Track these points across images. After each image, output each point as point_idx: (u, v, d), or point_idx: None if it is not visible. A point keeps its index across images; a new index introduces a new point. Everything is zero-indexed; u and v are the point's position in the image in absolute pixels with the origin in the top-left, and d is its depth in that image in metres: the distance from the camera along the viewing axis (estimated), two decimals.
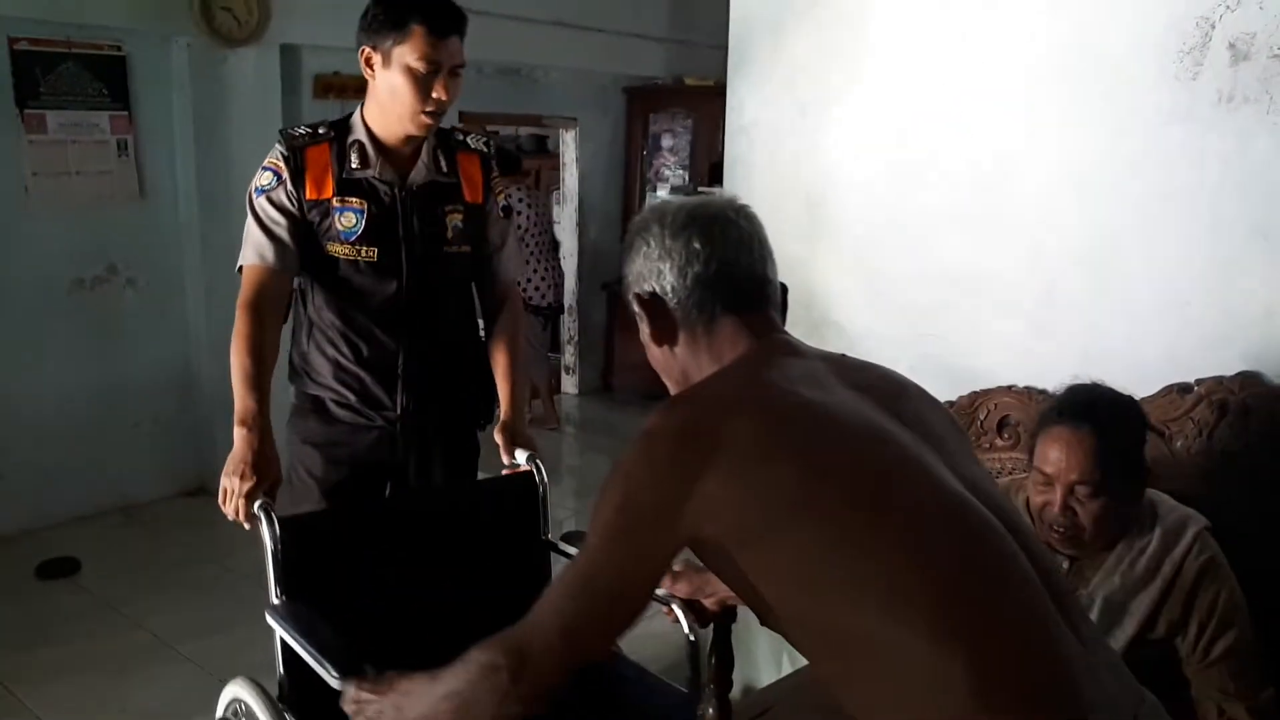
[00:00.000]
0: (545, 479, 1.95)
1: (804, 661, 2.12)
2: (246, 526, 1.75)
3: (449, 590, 1.82)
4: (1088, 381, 1.98)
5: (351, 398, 1.98)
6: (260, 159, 1.94)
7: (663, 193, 6.11)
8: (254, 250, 1.91)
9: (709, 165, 5.83)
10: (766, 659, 2.40)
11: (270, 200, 1.90)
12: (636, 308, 1.20)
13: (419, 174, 1.96)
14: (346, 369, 1.97)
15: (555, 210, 6.73)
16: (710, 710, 1.93)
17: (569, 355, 6.40)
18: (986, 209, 2.12)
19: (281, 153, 1.91)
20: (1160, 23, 1.86)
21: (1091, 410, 1.62)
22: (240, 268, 1.92)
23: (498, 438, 2.03)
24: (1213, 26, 1.81)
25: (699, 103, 5.87)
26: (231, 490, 1.71)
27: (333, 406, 2.00)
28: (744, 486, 1.00)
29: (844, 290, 2.35)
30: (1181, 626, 1.62)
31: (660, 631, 3.20)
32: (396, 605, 1.74)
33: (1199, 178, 1.85)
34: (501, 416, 2.11)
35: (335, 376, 1.98)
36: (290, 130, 1.95)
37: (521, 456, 1.95)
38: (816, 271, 2.39)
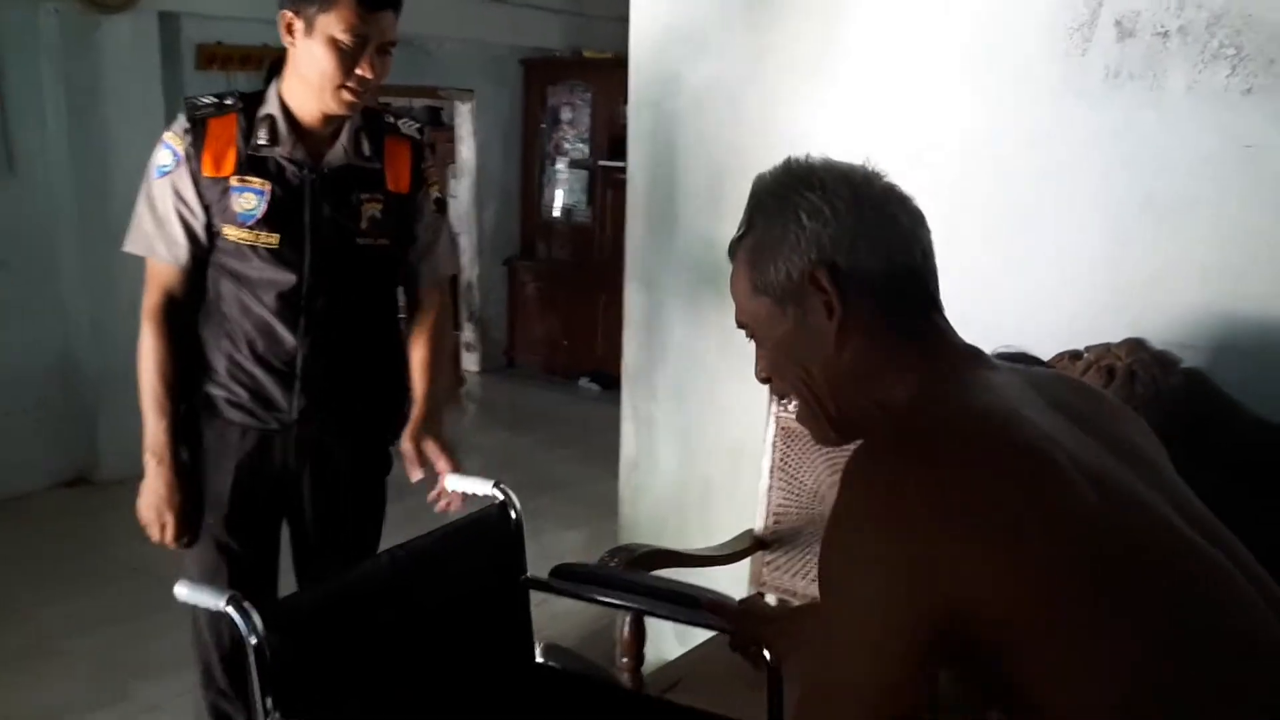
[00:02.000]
0: (519, 509, 1.73)
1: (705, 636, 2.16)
2: (178, 548, 1.84)
3: (437, 655, 1.60)
4: (1014, 350, 2.05)
5: (244, 396, 1.84)
6: (141, 133, 1.82)
7: (561, 167, 6.06)
8: (160, 244, 1.77)
9: (609, 139, 5.80)
10: (668, 636, 2.41)
11: (173, 185, 1.75)
12: (809, 284, 0.96)
13: (335, 156, 1.81)
14: (241, 365, 1.83)
15: (451, 184, 6.61)
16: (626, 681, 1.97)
17: (469, 332, 6.32)
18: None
19: (182, 125, 1.76)
20: (1052, 0, 1.91)
21: None
22: (147, 261, 1.79)
23: (405, 444, 1.92)
24: (1100, 4, 1.87)
25: (598, 76, 5.82)
26: (156, 528, 1.79)
27: (224, 406, 1.85)
28: (1006, 565, 0.82)
29: None
30: None
31: (562, 612, 3.20)
32: (397, 689, 1.51)
33: (1091, 152, 1.91)
34: (412, 418, 1.97)
35: (229, 373, 1.84)
36: (195, 99, 1.80)
37: (483, 486, 1.74)
38: (719, 246, 2.39)
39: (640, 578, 1.80)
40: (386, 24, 1.71)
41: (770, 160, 2.46)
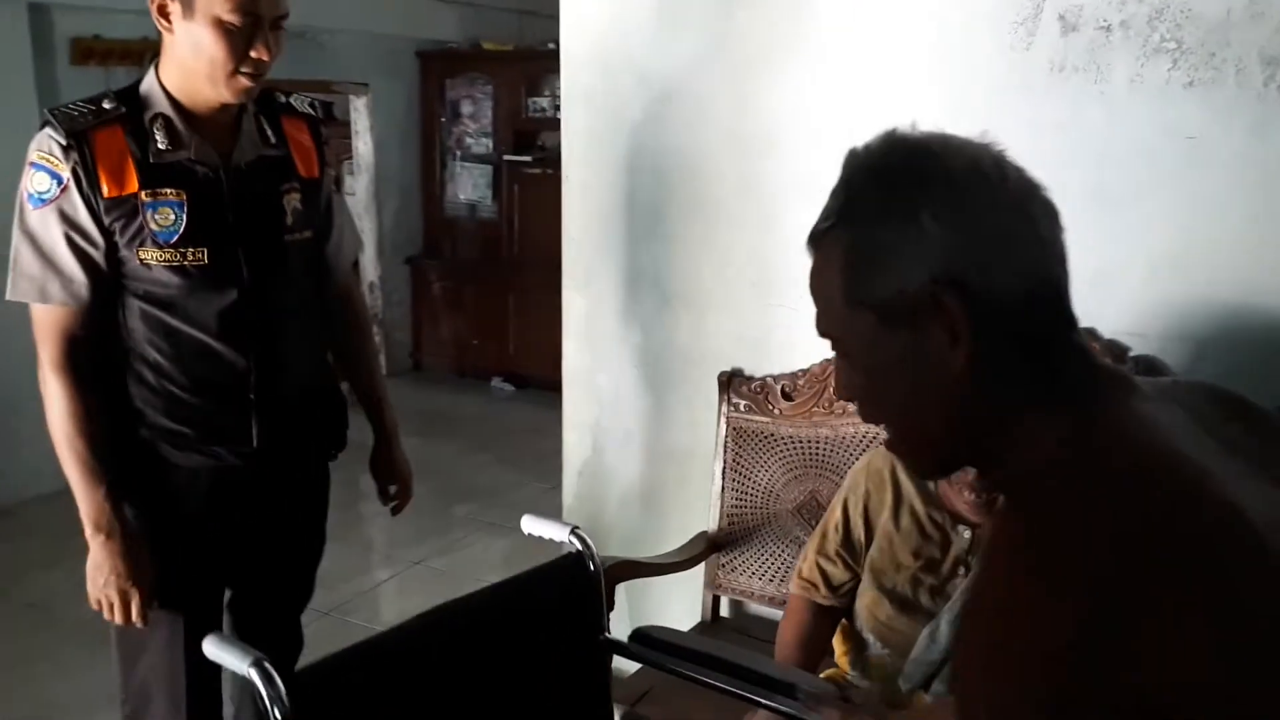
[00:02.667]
0: (599, 561, 1.55)
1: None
2: (143, 624, 1.65)
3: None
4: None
5: (192, 435, 1.64)
6: (13, 136, 1.57)
7: (466, 165, 5.90)
8: (53, 284, 1.54)
9: (514, 133, 5.67)
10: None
11: (61, 213, 1.51)
12: (930, 301, 0.77)
13: (245, 149, 1.63)
14: (183, 401, 1.62)
15: (348, 181, 6.37)
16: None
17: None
18: (832, 180, 2.13)
19: (58, 142, 1.50)
20: None
21: None
22: (33, 308, 1.56)
23: (376, 478, 1.88)
24: None
25: (498, 69, 5.68)
26: (119, 608, 1.60)
27: (168, 450, 1.64)
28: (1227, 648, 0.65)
29: (694, 263, 2.32)
30: None
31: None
32: None
33: (1037, 145, 1.91)
34: (378, 447, 1.92)
35: (167, 411, 1.62)
36: (64, 110, 1.53)
37: (559, 532, 1.59)
38: (661, 244, 2.35)
39: (729, 654, 1.61)
40: None
41: (717, 161, 2.41)
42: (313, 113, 1.77)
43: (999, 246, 0.78)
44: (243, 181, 1.63)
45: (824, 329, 0.86)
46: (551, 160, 5.53)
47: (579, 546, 1.55)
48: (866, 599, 1.78)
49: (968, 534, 1.70)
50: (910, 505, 1.76)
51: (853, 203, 0.83)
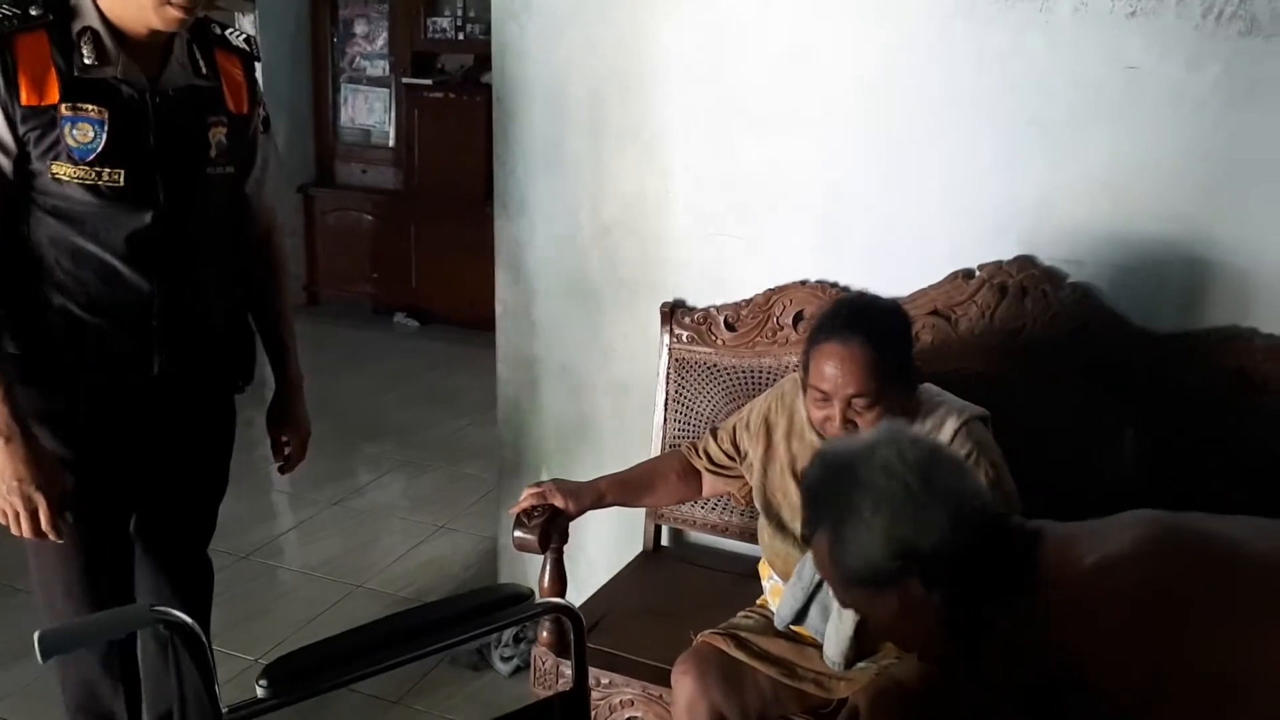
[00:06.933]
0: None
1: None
2: (56, 539, 1.58)
3: None
4: (853, 294, 2.06)
5: (89, 356, 1.60)
6: None
7: (361, 88, 5.62)
8: None
9: (412, 55, 5.42)
10: (585, 576, 2.35)
11: None
12: (899, 575, 1.08)
13: (174, 75, 1.59)
14: (80, 320, 1.59)
15: None
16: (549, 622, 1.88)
17: None
18: (779, 108, 2.11)
19: None
20: None
21: (860, 322, 1.62)
22: None
23: (271, 429, 1.85)
24: None
25: None
26: (24, 516, 1.53)
27: (63, 371, 1.60)
28: None
29: (633, 191, 2.27)
30: None
31: (434, 558, 3.07)
32: None
33: (978, 73, 1.94)
34: (278, 398, 1.88)
35: (66, 331, 1.58)
36: None
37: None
38: (601, 170, 2.29)
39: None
40: None
41: (658, 83, 2.34)
42: (247, 49, 1.73)
43: (932, 510, 1.06)
44: (169, 107, 1.58)
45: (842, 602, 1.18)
46: (454, 85, 5.33)
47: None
48: (760, 523, 1.84)
49: None
50: (801, 432, 1.78)
51: (817, 517, 1.14)
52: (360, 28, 5.55)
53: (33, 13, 1.48)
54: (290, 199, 5.74)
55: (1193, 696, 0.97)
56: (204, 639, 1.21)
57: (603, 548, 2.40)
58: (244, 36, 1.74)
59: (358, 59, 5.61)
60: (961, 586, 1.07)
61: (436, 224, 5.30)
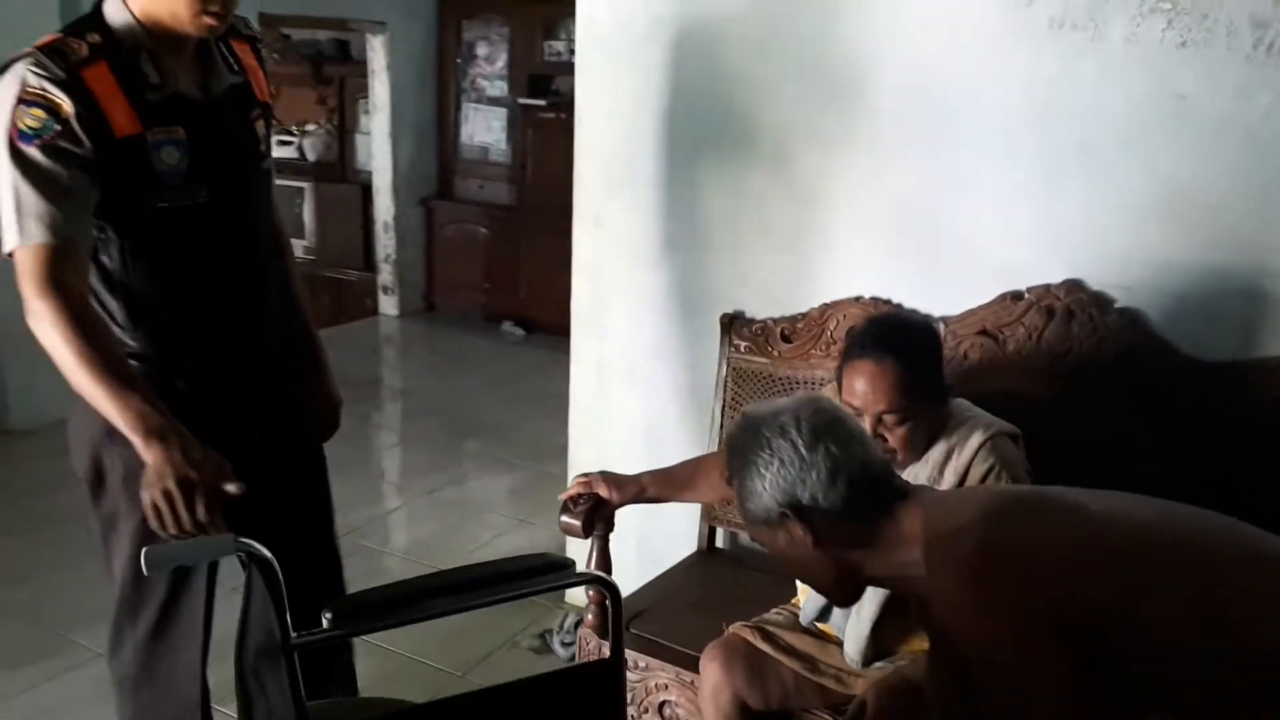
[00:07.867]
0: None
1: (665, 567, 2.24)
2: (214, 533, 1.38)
3: None
4: (887, 311, 2.12)
5: (212, 384, 1.60)
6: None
7: (481, 107, 5.93)
8: (38, 224, 1.39)
9: (529, 76, 5.70)
10: (630, 568, 2.47)
11: (56, 152, 1.39)
12: (782, 519, 1.26)
13: (220, 78, 1.57)
14: (201, 348, 1.59)
15: (363, 120, 6.41)
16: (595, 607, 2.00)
17: (386, 275, 6.20)
18: (839, 128, 2.20)
19: (55, 76, 1.39)
20: None
21: (892, 340, 1.67)
22: (9, 253, 1.42)
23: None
24: None
25: (515, 11, 5.69)
26: (178, 499, 1.33)
27: (191, 396, 1.56)
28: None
29: (700, 206, 2.40)
30: None
31: (512, 549, 3.22)
32: None
33: (1029, 98, 1.99)
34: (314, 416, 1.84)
35: (193, 356, 1.58)
36: (54, 45, 1.42)
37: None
38: (671, 188, 2.42)
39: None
40: None
41: (725, 104, 2.47)
42: (250, 32, 1.69)
43: (813, 472, 1.24)
44: (224, 112, 1.59)
45: (777, 544, 1.31)
46: (565, 105, 5.55)
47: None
48: None
49: None
50: None
51: (731, 465, 1.32)
52: (482, 49, 5.86)
53: (90, 40, 1.43)
54: (413, 212, 6.10)
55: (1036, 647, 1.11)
56: (278, 573, 1.22)
57: (664, 547, 2.52)
58: (244, 20, 1.68)
59: (478, 79, 5.91)
60: (832, 534, 1.25)
61: (543, 238, 5.53)
